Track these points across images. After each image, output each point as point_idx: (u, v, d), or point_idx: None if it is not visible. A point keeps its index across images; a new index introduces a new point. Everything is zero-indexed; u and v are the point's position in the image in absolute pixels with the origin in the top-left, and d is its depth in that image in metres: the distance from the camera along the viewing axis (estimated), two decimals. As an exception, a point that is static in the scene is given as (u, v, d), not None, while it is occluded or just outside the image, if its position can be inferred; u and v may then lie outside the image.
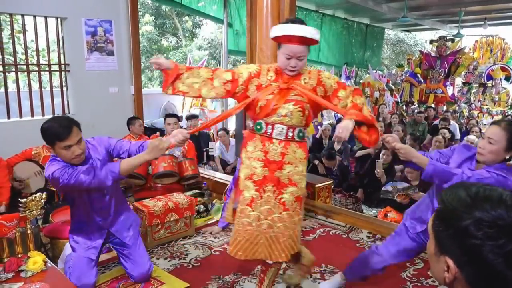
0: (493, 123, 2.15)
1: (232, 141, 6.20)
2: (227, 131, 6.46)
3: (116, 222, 2.59)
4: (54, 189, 3.78)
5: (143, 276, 2.62)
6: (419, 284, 2.69)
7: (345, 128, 2.07)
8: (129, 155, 2.43)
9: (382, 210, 4.26)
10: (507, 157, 2.04)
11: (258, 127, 2.21)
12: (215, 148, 6.05)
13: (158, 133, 4.77)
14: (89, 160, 2.38)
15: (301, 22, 2.13)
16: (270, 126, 2.17)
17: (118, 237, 2.59)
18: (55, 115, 5.19)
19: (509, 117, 7.87)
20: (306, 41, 2.08)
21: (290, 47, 2.08)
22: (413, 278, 2.76)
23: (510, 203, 0.79)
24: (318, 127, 7.73)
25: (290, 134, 2.18)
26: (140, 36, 6.27)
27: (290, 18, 2.22)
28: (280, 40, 2.10)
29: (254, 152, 2.21)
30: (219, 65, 11.76)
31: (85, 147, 2.33)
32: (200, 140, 5.98)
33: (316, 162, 5.63)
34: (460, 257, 0.82)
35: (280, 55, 2.13)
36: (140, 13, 11.76)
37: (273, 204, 2.20)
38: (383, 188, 4.75)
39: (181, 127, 5.32)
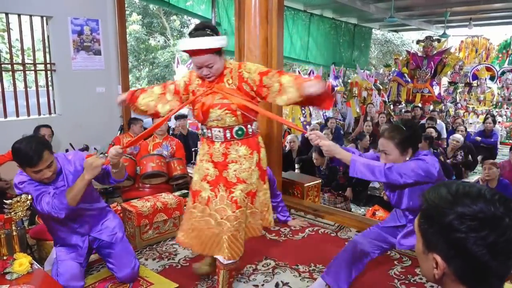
0: (380, 135, 2.23)
1: (221, 140, 6.15)
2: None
3: (96, 226, 2.56)
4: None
5: (129, 275, 2.58)
6: (407, 282, 2.72)
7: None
8: (106, 172, 2.40)
9: (370, 208, 4.30)
10: (407, 158, 2.16)
11: (203, 131, 2.34)
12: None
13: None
14: (60, 175, 2.36)
15: (204, 28, 2.13)
16: (209, 130, 2.29)
17: (102, 238, 2.55)
18: (41, 115, 5.13)
19: (489, 116, 7.98)
20: (209, 50, 2.08)
21: (194, 59, 2.14)
22: (401, 276, 2.79)
23: (488, 198, 0.84)
24: (307, 126, 7.77)
25: (228, 134, 2.27)
26: (127, 35, 6.21)
27: (194, 28, 2.19)
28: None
29: (204, 154, 2.34)
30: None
31: (56, 167, 2.30)
32: (188, 140, 5.96)
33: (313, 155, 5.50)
34: (447, 252, 0.86)
35: (193, 64, 2.19)
36: (127, 12, 11.66)
37: (226, 203, 2.27)
38: (371, 185, 4.81)
39: (169, 127, 5.30)
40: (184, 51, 2.17)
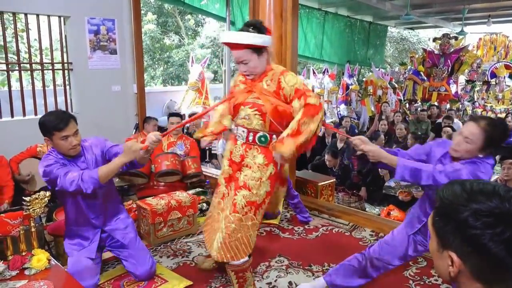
0: (472, 119, 2.02)
1: (235, 139, 6.17)
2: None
3: (110, 221, 2.59)
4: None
5: (147, 273, 2.61)
6: (422, 283, 2.69)
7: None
8: None
9: (385, 208, 4.25)
10: (480, 155, 1.98)
11: (232, 128, 2.40)
12: (218, 146, 6.05)
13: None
14: (83, 154, 2.43)
15: (251, 25, 2.16)
16: (235, 128, 2.33)
17: (115, 236, 2.57)
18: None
19: (510, 114, 7.81)
20: (247, 46, 2.11)
21: (232, 52, 2.19)
22: (416, 277, 2.76)
23: (503, 194, 0.84)
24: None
25: (251, 137, 2.24)
26: (142, 35, 6.27)
27: (246, 23, 2.24)
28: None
29: (227, 150, 2.39)
30: (221, 63, 11.75)
31: (81, 140, 2.39)
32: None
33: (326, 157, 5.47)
34: (463, 249, 0.86)
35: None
36: (142, 12, 11.72)
37: (230, 203, 2.30)
38: (386, 184, 4.76)
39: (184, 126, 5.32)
40: (224, 43, 2.23)
